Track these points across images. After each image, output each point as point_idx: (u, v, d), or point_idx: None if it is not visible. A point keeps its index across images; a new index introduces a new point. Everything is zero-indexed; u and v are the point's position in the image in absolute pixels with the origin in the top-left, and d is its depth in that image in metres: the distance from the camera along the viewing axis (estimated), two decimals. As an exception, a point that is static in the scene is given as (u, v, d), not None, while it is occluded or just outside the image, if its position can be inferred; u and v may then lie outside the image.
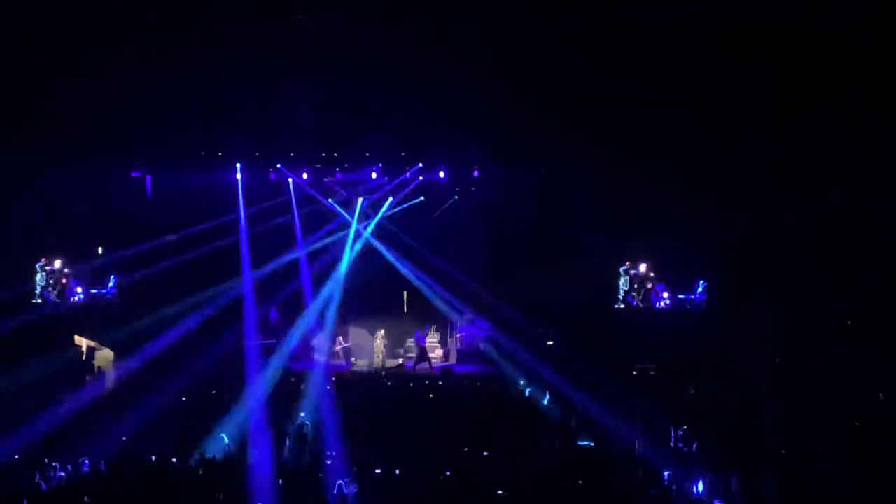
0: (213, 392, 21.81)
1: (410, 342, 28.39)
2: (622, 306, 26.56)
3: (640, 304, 26.42)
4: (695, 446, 15.48)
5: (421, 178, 29.01)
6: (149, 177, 27.94)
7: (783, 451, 14.78)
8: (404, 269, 29.13)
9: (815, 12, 19.80)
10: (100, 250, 26.65)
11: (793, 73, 21.10)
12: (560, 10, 20.69)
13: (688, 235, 24.79)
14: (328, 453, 15.29)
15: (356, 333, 29.19)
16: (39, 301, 25.92)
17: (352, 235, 29.65)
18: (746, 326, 22.88)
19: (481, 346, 27.78)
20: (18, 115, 22.46)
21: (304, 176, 28.84)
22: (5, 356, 21.52)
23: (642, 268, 26.46)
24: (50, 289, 25.94)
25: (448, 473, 13.90)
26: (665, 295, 26.35)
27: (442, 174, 28.60)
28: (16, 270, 25.59)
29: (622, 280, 26.61)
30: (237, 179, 28.54)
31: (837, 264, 22.39)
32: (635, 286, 26.50)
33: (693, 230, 24.37)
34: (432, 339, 28.72)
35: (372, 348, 28.27)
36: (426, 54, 22.16)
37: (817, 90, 21.08)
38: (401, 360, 28.01)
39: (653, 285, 26.40)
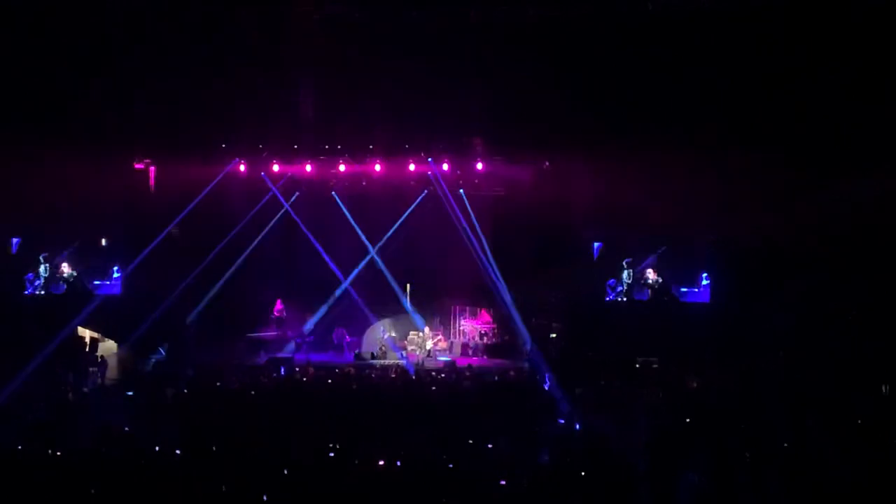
0: (218, 384, 21.89)
1: (413, 335, 28.44)
2: (625, 299, 26.54)
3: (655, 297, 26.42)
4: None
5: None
6: (152, 168, 27.96)
7: (786, 445, 14.76)
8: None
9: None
10: (103, 242, 26.67)
11: (802, 65, 21.04)
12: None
13: (692, 229, 24.82)
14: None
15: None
16: (42, 292, 26.00)
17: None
18: (750, 320, 22.89)
19: None
20: (20, 107, 22.47)
21: (308, 168, 28.85)
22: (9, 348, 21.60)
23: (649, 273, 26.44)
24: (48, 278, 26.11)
25: (451, 465, 13.92)
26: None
27: (445, 167, 28.59)
28: (18, 262, 25.70)
29: (625, 273, 26.57)
30: (241, 171, 28.57)
31: (843, 258, 22.33)
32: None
33: (697, 223, 24.39)
34: (435, 332, 28.79)
35: (374, 341, 28.39)
36: (429, 45, 22.15)
37: (825, 85, 21.02)
38: (404, 352, 28.07)
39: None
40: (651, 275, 26.29)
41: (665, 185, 23.93)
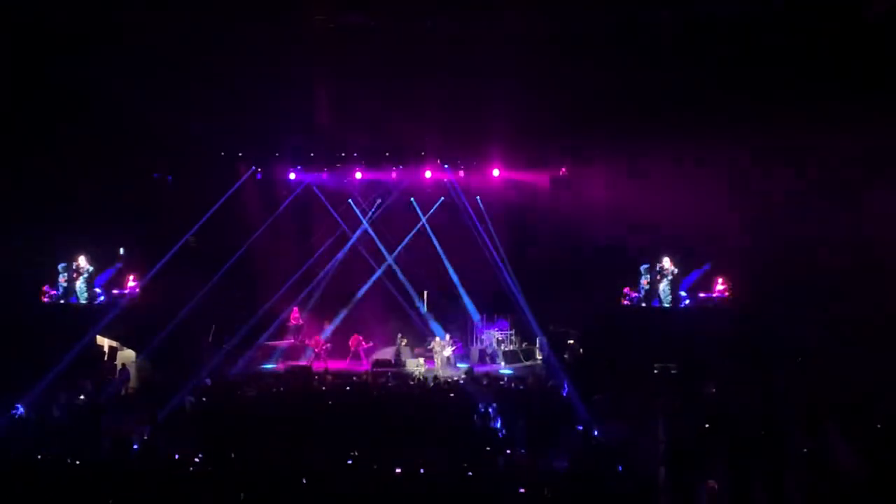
0: (237, 393, 21.94)
1: (431, 342, 28.45)
2: (644, 304, 26.47)
3: (666, 303, 26.29)
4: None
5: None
6: (169, 178, 28.06)
7: (805, 450, 14.71)
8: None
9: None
10: (121, 251, 26.77)
11: (824, 72, 20.92)
12: (581, 8, 20.63)
13: (710, 234, 24.73)
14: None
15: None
16: (62, 301, 26.11)
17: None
18: (769, 326, 22.78)
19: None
20: (37, 117, 22.58)
21: (324, 176, 28.91)
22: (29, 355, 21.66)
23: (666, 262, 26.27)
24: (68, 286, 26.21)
25: (470, 473, 13.91)
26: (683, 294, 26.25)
27: (461, 174, 28.62)
28: (38, 271, 25.81)
29: (643, 279, 26.49)
30: (257, 180, 28.67)
31: (862, 265, 22.21)
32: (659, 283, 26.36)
33: (716, 229, 24.31)
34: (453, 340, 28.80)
35: (392, 348, 28.41)
36: (444, 54, 22.15)
37: (847, 95, 20.89)
38: (422, 359, 28.07)
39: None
40: (668, 265, 26.18)
41: (682, 191, 23.88)
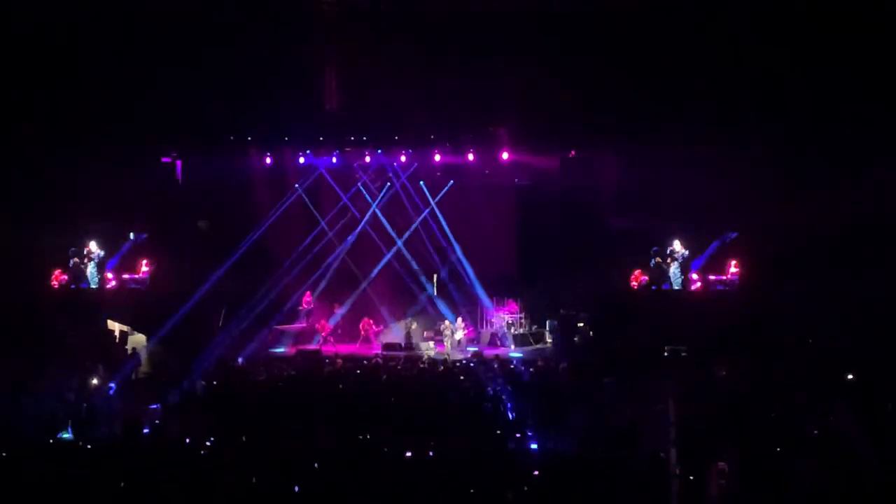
0: (247, 376, 21.97)
1: (442, 326, 28.45)
2: (654, 287, 26.39)
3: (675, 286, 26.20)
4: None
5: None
6: (179, 162, 28.05)
7: (815, 433, 14.68)
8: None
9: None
10: (131, 235, 26.80)
11: (826, 55, 20.80)
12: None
13: (721, 216, 24.65)
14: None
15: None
16: (73, 286, 26.16)
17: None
18: (779, 307, 22.72)
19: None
20: (47, 102, 22.59)
21: (334, 160, 28.87)
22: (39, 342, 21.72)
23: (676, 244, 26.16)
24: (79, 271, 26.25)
25: (480, 457, 13.91)
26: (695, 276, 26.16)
27: (471, 157, 28.52)
28: (48, 256, 25.85)
29: (653, 262, 26.41)
30: (267, 163, 28.64)
31: (873, 244, 22.12)
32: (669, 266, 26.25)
33: (726, 211, 24.23)
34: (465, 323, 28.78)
35: (401, 331, 28.41)
36: (454, 36, 22.11)
37: (858, 75, 20.77)
38: (432, 343, 28.09)
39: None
40: (679, 247, 26.06)
41: (692, 173, 23.78)
